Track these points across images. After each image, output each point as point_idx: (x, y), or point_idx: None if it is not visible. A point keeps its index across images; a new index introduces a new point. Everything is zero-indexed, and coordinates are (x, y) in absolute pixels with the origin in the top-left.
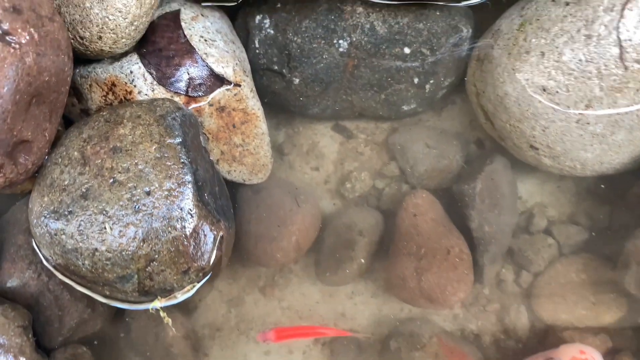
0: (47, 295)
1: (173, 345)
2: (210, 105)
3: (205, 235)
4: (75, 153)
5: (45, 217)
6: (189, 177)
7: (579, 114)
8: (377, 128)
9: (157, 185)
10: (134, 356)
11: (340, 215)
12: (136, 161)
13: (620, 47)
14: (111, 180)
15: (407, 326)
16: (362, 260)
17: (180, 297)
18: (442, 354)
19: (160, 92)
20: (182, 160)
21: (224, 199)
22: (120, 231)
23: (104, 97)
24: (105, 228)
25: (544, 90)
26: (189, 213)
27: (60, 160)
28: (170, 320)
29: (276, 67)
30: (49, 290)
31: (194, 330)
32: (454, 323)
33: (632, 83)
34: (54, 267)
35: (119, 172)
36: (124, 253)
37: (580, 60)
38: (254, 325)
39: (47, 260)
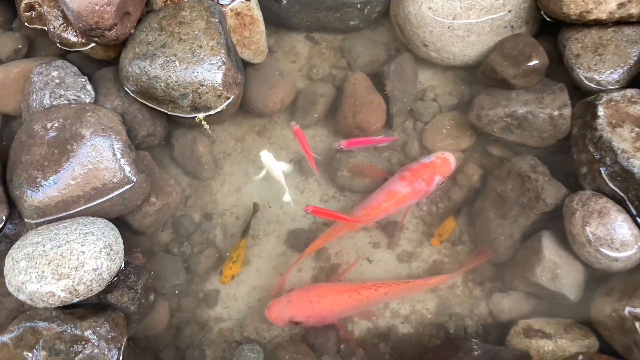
0: (128, 114)
1: (202, 157)
2: (231, 10)
3: (232, 76)
4: (155, 24)
5: (137, 58)
6: (223, 41)
7: (449, 22)
8: (334, 38)
9: (205, 44)
10: (176, 165)
11: (308, 88)
12: (193, 29)
13: None
14: (178, 38)
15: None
16: (322, 110)
17: (213, 111)
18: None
19: None
20: (219, 31)
21: (239, 63)
22: (185, 67)
23: (164, 2)
24: (175, 64)
25: (430, 8)
26: (223, 61)
27: (145, 29)
28: (208, 126)
29: None
30: (129, 112)
31: (213, 154)
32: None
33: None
34: (136, 93)
35: (183, 34)
36: (185, 79)
37: None
38: (252, 152)
39: (131, 90)
